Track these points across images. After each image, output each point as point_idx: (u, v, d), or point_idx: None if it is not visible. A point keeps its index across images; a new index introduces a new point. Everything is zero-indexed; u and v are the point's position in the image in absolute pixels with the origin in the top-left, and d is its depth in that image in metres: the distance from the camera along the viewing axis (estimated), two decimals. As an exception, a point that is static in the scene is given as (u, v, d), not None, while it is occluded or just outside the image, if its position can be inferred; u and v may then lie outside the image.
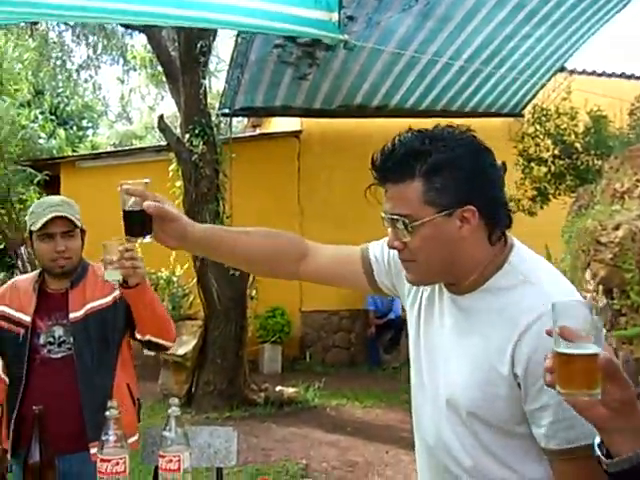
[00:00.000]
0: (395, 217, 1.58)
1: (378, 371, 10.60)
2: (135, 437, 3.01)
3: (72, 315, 2.91)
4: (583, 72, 11.28)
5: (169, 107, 16.54)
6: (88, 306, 2.93)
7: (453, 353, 1.65)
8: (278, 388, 8.51)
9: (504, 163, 1.74)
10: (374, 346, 11.09)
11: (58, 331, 2.91)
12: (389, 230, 1.64)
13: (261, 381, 8.82)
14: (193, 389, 8.45)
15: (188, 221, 1.84)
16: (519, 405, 1.54)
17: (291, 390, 8.54)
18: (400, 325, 10.50)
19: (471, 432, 1.62)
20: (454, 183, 1.54)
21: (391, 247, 1.65)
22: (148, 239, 1.82)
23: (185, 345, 8.44)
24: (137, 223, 1.80)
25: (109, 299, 2.97)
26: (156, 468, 2.97)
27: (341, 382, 9.72)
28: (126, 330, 3.02)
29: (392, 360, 10.66)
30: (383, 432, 7.29)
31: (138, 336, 2.97)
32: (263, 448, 6.75)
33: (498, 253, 1.62)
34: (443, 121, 1.68)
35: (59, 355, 2.89)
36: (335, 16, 3.26)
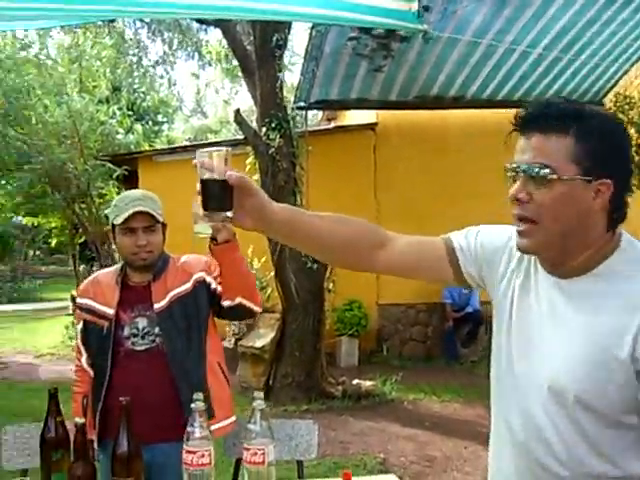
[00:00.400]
0: (535, 166, 1.54)
1: (455, 365, 10.49)
2: (232, 419, 3.05)
3: (156, 305, 2.95)
4: (668, 57, 10.92)
5: (244, 101, 16.72)
6: (171, 294, 2.98)
7: (557, 338, 1.60)
8: (355, 381, 8.50)
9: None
10: (451, 340, 10.98)
11: (142, 322, 2.95)
12: (516, 183, 1.58)
13: (338, 374, 8.83)
14: (271, 381, 8.51)
15: (266, 198, 1.70)
16: (632, 393, 1.49)
17: (368, 383, 8.52)
18: (478, 319, 10.38)
19: (573, 421, 1.56)
20: (602, 153, 1.53)
21: (515, 198, 1.58)
22: (229, 214, 1.65)
23: (263, 338, 8.51)
24: (217, 195, 1.63)
25: (189, 285, 3.01)
26: (237, 460, 3.00)
27: (418, 376, 9.66)
28: (210, 311, 3.06)
29: (470, 354, 10.54)
30: (461, 427, 7.22)
31: (227, 303, 3.00)
32: (341, 441, 6.76)
33: (609, 239, 1.60)
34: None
35: (143, 347, 2.93)
36: (415, 6, 3.22)
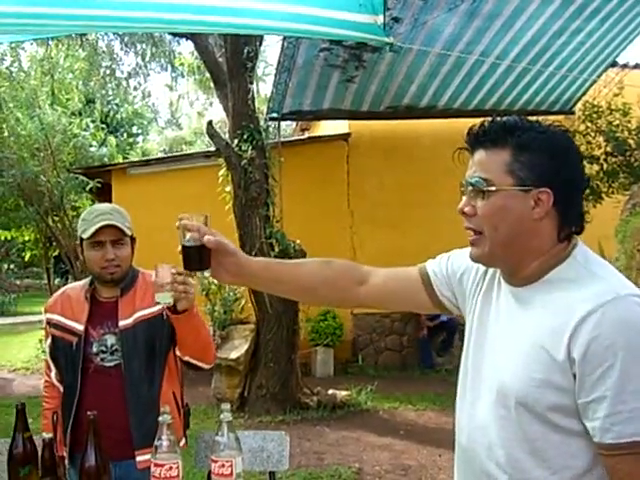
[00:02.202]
0: (474, 180, 1.62)
1: (431, 374, 10.53)
2: (181, 442, 3.02)
3: (122, 323, 2.91)
4: (636, 66, 11.05)
5: (218, 112, 16.69)
6: (137, 314, 2.92)
7: (506, 343, 1.64)
8: (330, 391, 8.51)
9: (589, 179, 1.74)
10: (426, 348, 11.02)
11: (110, 339, 2.91)
12: (464, 198, 1.67)
13: (313, 384, 8.83)
14: (246, 393, 8.50)
15: (243, 255, 1.94)
16: (570, 396, 1.50)
17: (343, 393, 8.53)
18: (452, 327, 10.44)
19: (516, 424, 1.58)
20: (540, 162, 1.58)
21: (462, 212, 1.67)
22: (206, 274, 1.89)
23: (237, 349, 8.49)
24: (196, 258, 1.86)
25: (158, 308, 2.91)
26: (209, 473, 2.99)
27: (393, 385, 9.69)
28: (172, 340, 2.99)
29: (445, 362, 10.59)
30: (436, 435, 7.23)
31: (178, 353, 2.96)
32: (316, 452, 6.76)
33: (562, 248, 1.63)
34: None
35: (112, 363, 2.89)
36: (380, 19, 3.22)
